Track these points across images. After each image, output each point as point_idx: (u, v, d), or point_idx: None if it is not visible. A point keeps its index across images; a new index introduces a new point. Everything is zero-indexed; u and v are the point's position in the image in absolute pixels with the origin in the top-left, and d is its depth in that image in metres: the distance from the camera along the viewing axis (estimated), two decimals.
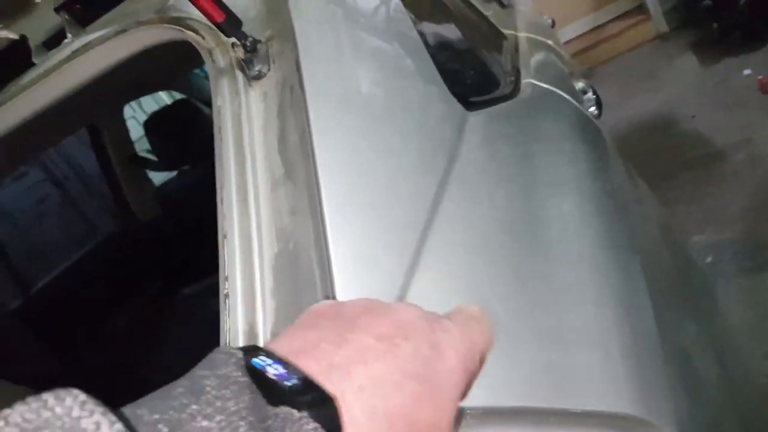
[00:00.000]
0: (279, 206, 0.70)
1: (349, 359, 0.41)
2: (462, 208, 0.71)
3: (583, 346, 0.64)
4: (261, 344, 0.61)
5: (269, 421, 0.38)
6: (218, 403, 0.37)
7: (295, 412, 0.38)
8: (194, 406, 0.37)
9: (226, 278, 0.65)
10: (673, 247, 1.41)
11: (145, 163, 2.60)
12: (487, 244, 0.69)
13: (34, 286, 2.32)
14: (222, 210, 0.71)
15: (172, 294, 2.69)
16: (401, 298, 0.59)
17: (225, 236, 0.68)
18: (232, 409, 0.37)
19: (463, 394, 0.45)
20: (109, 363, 2.39)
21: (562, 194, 0.91)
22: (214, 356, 0.41)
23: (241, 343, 0.62)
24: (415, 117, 0.82)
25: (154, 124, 2.53)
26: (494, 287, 0.64)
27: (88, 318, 2.35)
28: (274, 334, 0.62)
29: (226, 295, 0.65)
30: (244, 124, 0.79)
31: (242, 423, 0.36)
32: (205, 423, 0.36)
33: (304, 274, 0.65)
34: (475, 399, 0.53)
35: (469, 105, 1.00)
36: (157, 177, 2.75)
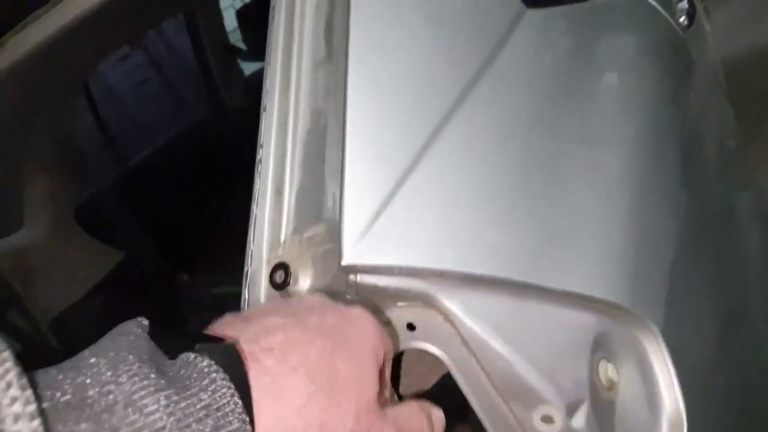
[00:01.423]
0: (317, 86, 0.76)
1: (258, 331, 0.45)
2: (488, 106, 0.74)
3: (583, 233, 0.67)
4: (285, 201, 0.70)
5: (166, 367, 0.41)
6: (111, 353, 0.39)
7: (191, 354, 0.42)
8: (93, 359, 0.39)
9: (261, 145, 0.73)
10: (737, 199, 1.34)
11: (237, 53, 2.71)
12: (505, 141, 0.72)
13: (129, 161, 2.55)
14: (266, 85, 0.77)
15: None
16: (400, 183, 0.63)
17: (265, 109, 0.75)
18: (124, 354, 0.39)
19: (380, 359, 0.50)
20: (194, 240, 2.63)
21: (605, 108, 0.90)
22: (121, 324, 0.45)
23: (267, 205, 0.70)
24: (461, 6, 0.83)
25: (245, 14, 2.61)
26: (503, 174, 0.68)
27: (177, 198, 2.56)
28: (298, 199, 0.69)
29: (260, 161, 0.72)
30: (297, 3, 0.83)
31: (133, 360, 0.38)
32: (93, 360, 0.38)
33: (330, 151, 0.71)
34: (456, 264, 0.59)
35: (534, 1, 0.98)
36: (247, 67, 2.86)
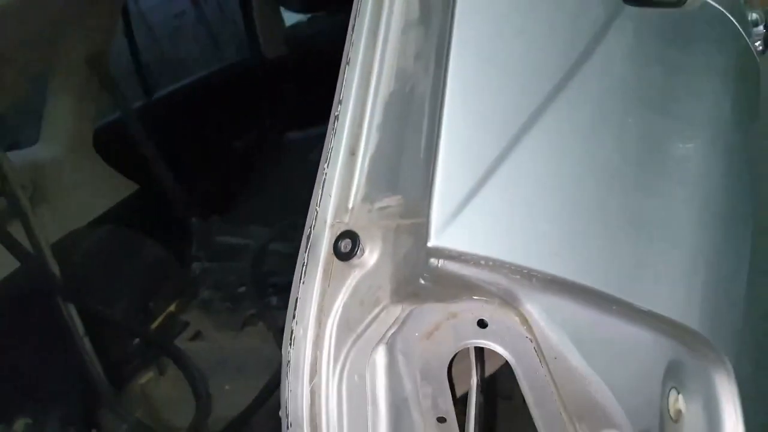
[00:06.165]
0: (406, 48, 0.70)
1: None
2: (585, 97, 0.68)
3: (672, 259, 0.62)
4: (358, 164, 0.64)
5: None
6: None
7: None
8: None
9: (340, 101, 0.67)
10: None
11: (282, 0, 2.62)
12: (600, 136, 0.67)
13: (157, 92, 2.47)
14: (351, 37, 0.71)
15: (279, 134, 2.79)
16: (495, 168, 0.58)
17: (348, 62, 0.69)
18: None
19: None
20: (210, 184, 2.57)
21: (691, 120, 0.85)
22: None
23: (339, 165, 0.65)
24: None
25: None
26: (595, 175, 0.63)
27: (199, 138, 2.50)
28: (372, 163, 0.64)
29: (336, 117, 0.67)
30: None
31: None
32: None
33: (413, 118, 0.65)
34: (544, 265, 0.55)
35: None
36: (289, 17, 2.77)
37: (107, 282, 2.14)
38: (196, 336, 2.24)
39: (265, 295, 2.24)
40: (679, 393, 0.62)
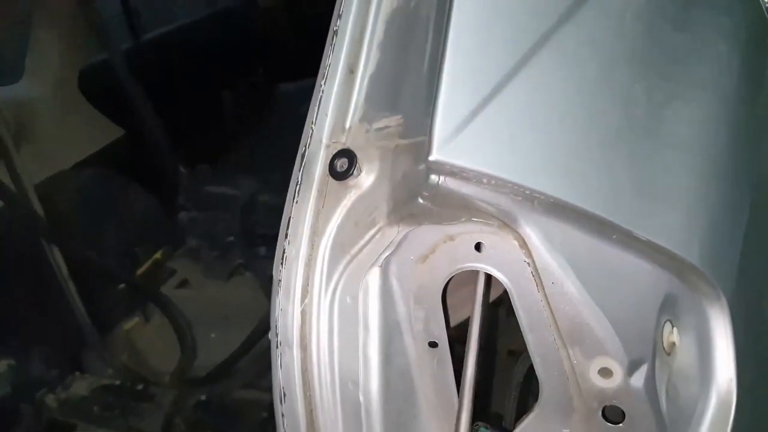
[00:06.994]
0: None
1: None
2: (598, 21, 0.66)
3: (675, 193, 0.61)
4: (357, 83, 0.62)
5: None
6: None
7: None
8: None
9: (340, 15, 0.64)
10: None
11: None
12: (612, 64, 0.64)
13: (147, 33, 2.40)
14: None
15: (271, 84, 2.74)
16: (502, 86, 0.56)
17: None
18: None
19: None
20: (198, 132, 2.52)
21: (699, 62, 0.83)
22: None
23: (336, 83, 0.62)
24: None
25: None
26: (604, 101, 0.61)
27: (188, 84, 2.43)
28: (372, 82, 0.62)
29: (335, 33, 0.64)
30: None
31: None
32: None
33: (417, 37, 0.63)
34: (546, 186, 0.53)
35: None
36: None
37: (92, 226, 2.11)
38: (183, 284, 2.23)
39: (253, 245, 2.22)
40: (673, 326, 0.61)
